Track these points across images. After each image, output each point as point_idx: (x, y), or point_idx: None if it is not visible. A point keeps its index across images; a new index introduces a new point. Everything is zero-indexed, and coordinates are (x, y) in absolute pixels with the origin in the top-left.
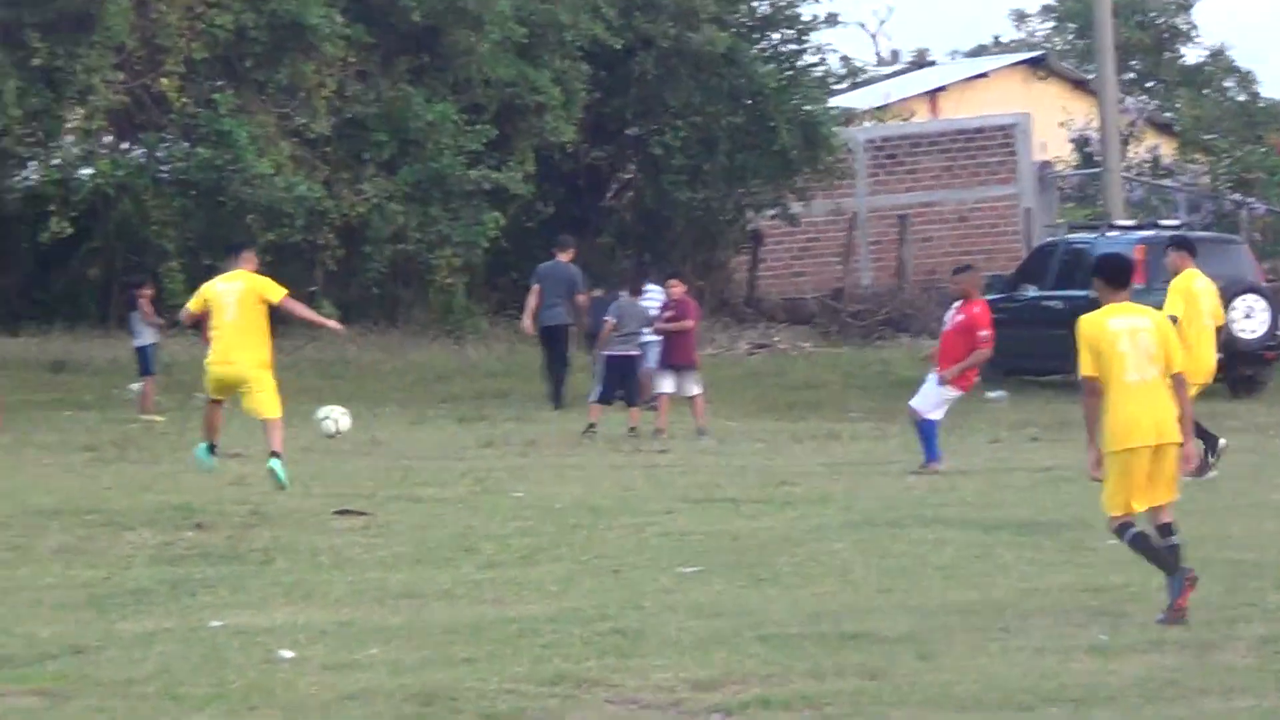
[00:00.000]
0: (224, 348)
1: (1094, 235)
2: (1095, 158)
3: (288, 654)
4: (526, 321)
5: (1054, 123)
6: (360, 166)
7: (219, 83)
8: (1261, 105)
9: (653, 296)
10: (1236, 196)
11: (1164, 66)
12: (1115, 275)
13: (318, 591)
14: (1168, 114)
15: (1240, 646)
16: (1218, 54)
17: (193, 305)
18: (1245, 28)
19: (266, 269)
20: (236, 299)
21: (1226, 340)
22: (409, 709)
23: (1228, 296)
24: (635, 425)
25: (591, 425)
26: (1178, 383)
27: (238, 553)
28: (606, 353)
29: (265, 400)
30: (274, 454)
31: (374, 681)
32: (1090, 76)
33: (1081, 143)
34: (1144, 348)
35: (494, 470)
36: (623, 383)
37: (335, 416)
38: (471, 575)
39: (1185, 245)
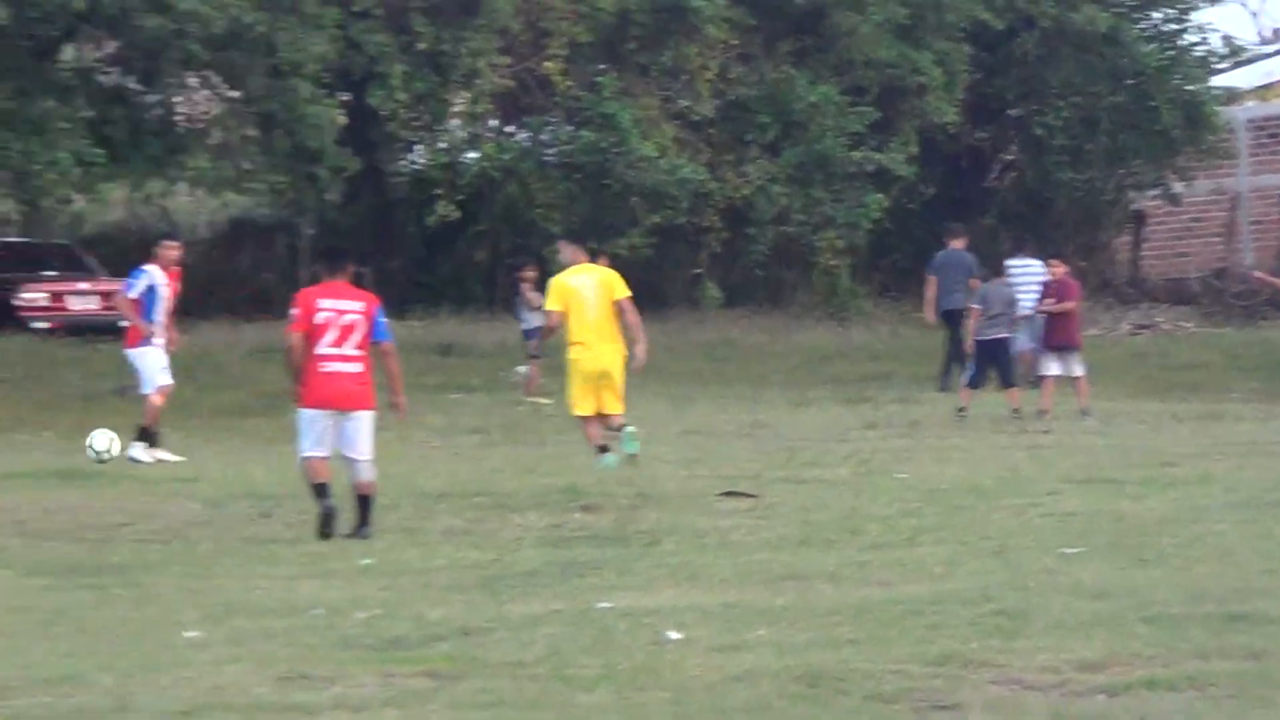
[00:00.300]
0: (593, 339)
1: None
2: None
3: (675, 635)
4: (928, 313)
5: None
6: (743, 149)
7: (602, 66)
8: None
9: (1028, 272)
10: None
11: None
12: None
13: (704, 573)
14: None
15: None
16: None
17: (555, 304)
18: None
19: (652, 251)
20: (595, 292)
21: None
22: (795, 689)
23: None
24: (1018, 406)
25: (961, 409)
26: None
27: (624, 535)
28: (977, 338)
29: (619, 394)
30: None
31: (760, 662)
32: None
33: None
34: None
35: (877, 452)
36: (995, 365)
37: (103, 442)
38: (856, 557)
39: None
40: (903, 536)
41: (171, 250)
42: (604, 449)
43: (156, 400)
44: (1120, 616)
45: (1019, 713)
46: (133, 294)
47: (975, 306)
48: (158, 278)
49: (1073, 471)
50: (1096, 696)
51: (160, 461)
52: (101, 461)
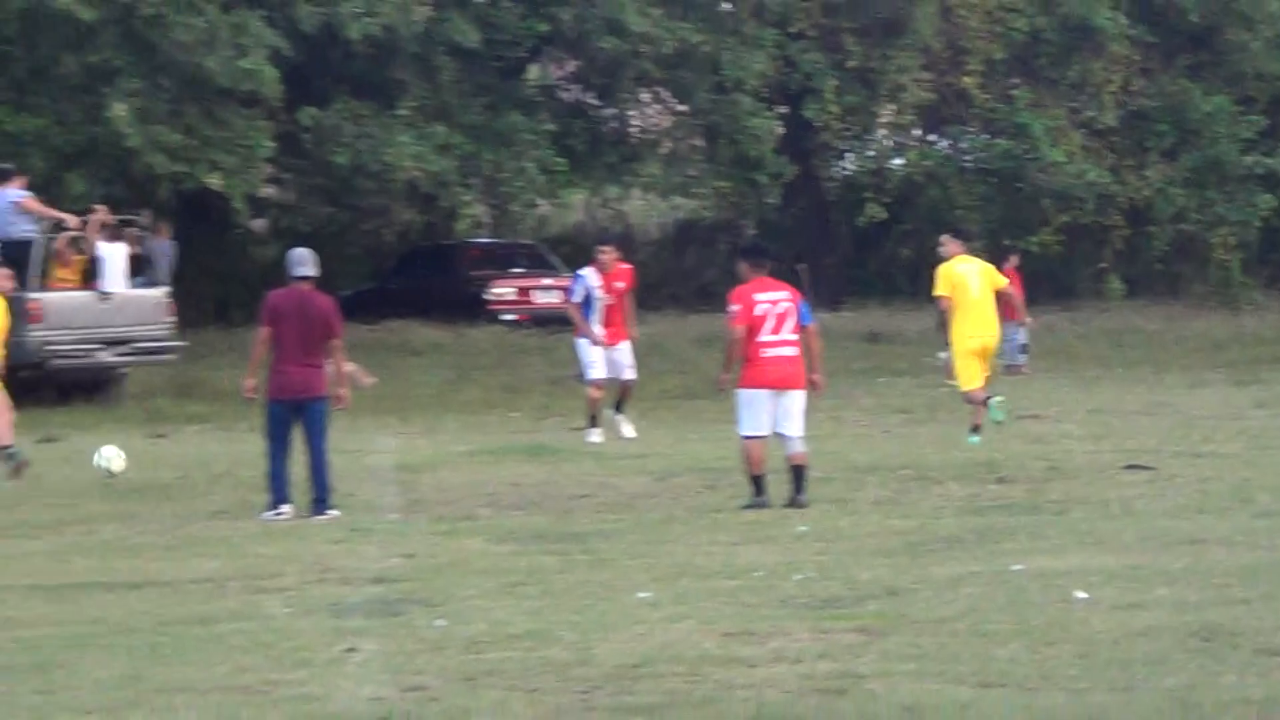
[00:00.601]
0: (977, 320)
1: None
2: None
3: (1082, 595)
4: None
5: None
6: (1144, 154)
7: (1015, 80)
8: None
9: None
10: None
11: None
12: None
13: (1108, 538)
14: None
15: None
16: None
17: (944, 289)
18: None
19: (1061, 248)
20: (978, 279)
21: None
22: (1192, 644)
23: None
24: None
25: None
26: None
27: (1036, 504)
28: None
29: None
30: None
31: (1159, 619)
32: None
33: None
34: None
35: (1268, 428)
36: None
37: (109, 456)
38: (1248, 523)
39: None
40: None
41: (606, 254)
42: (977, 428)
43: (593, 393)
44: None
45: None
46: (575, 299)
47: None
48: (592, 280)
49: None
50: None
51: (619, 439)
52: (111, 475)
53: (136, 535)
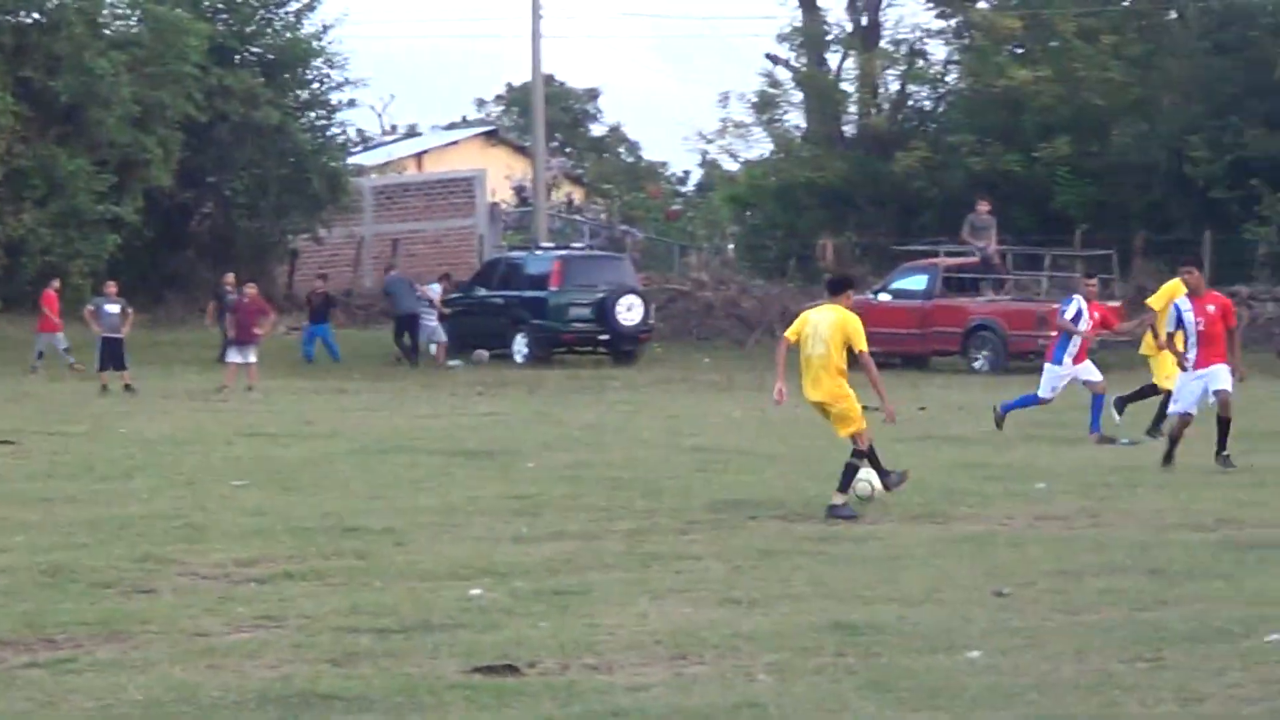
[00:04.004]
0: None
1: (526, 253)
2: (528, 200)
3: None
4: None
5: (502, 176)
6: (20, 203)
7: None
8: (643, 164)
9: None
10: (624, 227)
11: (578, 137)
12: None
13: None
14: (579, 170)
15: (616, 537)
16: (615, 129)
17: None
18: (633, 109)
19: None
20: None
21: (613, 323)
22: (41, 579)
23: (617, 297)
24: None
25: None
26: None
27: None
28: None
29: None
30: None
31: (15, 560)
32: (527, 144)
33: (520, 190)
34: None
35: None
36: None
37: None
38: (90, 486)
39: None
40: (121, 472)
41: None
42: None
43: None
44: (271, 529)
45: (196, 594)
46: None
47: None
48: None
49: (242, 428)
50: (250, 584)
51: None
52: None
53: None
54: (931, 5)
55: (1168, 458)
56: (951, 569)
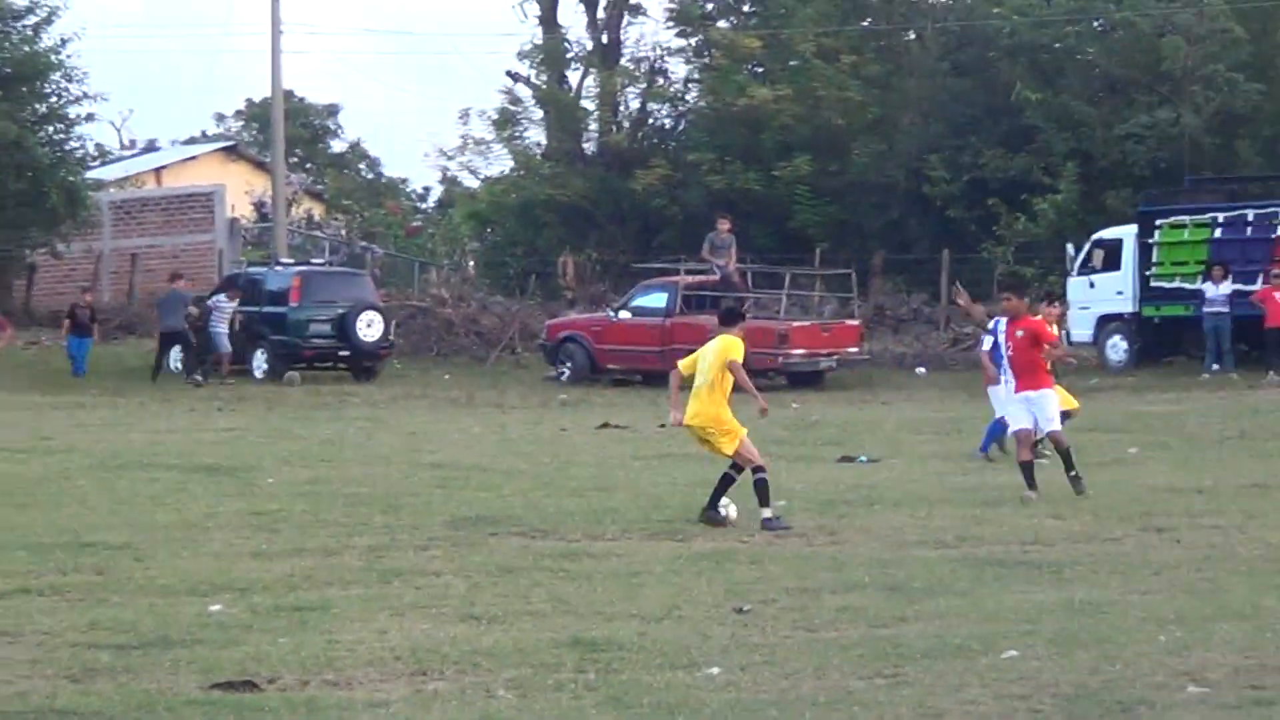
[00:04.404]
0: None
1: (265, 268)
2: (268, 215)
3: None
4: None
5: (242, 191)
6: None
7: None
8: (383, 181)
9: None
10: (364, 244)
11: (318, 153)
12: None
13: None
14: (319, 186)
15: (355, 553)
16: (355, 145)
17: None
18: (373, 125)
19: None
20: None
21: (353, 339)
22: None
23: (357, 313)
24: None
25: None
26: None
27: None
28: None
29: None
30: None
31: None
32: (267, 160)
33: (260, 205)
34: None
35: None
36: None
37: None
38: None
39: None
40: None
41: None
42: None
43: None
44: (6, 544)
45: None
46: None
47: None
48: None
49: None
50: None
51: None
52: None
53: None
54: (672, 24)
55: (1030, 483)
56: (691, 586)
